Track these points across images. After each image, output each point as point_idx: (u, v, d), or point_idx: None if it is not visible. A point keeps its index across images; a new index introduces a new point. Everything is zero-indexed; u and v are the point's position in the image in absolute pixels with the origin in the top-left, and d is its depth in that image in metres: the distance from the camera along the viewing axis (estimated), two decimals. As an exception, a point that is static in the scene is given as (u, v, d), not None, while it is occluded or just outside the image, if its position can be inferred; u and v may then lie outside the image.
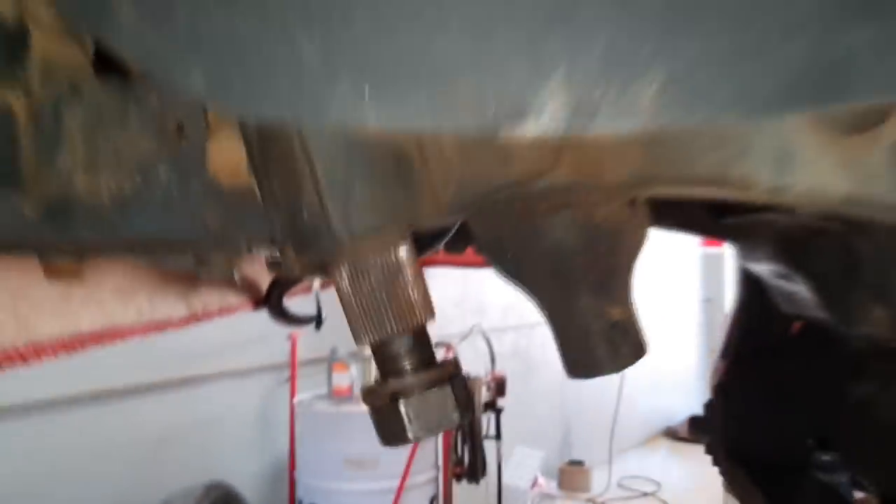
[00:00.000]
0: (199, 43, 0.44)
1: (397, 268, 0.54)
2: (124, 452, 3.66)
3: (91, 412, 3.55)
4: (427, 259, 0.95)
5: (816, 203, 0.60)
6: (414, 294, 0.55)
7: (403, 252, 0.55)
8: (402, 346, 0.55)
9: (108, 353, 3.64)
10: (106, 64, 0.65)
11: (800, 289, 1.11)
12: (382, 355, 0.56)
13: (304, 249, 0.54)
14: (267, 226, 0.63)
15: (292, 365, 4.20)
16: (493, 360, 4.59)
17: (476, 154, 0.55)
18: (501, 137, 0.46)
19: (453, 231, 1.07)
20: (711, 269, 9.17)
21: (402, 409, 0.53)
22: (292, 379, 4.19)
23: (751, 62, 0.42)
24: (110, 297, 1.23)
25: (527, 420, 6.09)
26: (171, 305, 1.37)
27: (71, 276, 0.83)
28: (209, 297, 1.48)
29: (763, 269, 1.24)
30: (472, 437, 4.38)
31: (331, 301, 2.12)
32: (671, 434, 8.37)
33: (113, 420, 3.63)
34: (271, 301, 1.72)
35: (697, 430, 1.65)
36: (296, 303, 1.81)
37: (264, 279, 1.68)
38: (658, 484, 6.82)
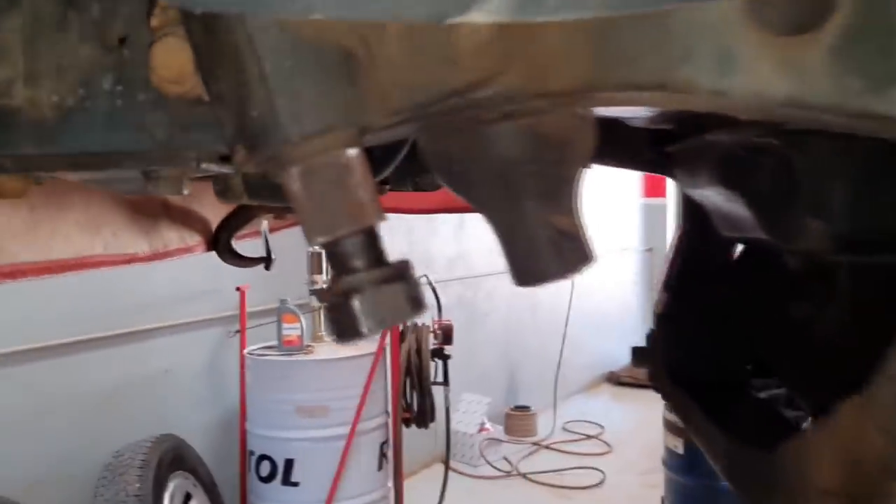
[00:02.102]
0: None
1: (347, 169, 0.54)
2: (70, 409, 3.61)
3: (34, 368, 3.48)
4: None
5: (757, 106, 0.61)
6: (364, 195, 0.54)
7: (353, 154, 0.54)
8: (353, 245, 0.55)
9: (51, 308, 3.55)
10: None
11: (740, 210, 1.14)
12: (335, 255, 0.56)
13: (254, 148, 0.54)
14: (215, 133, 0.62)
15: (242, 316, 4.18)
16: (439, 308, 4.62)
17: (423, 57, 0.54)
18: (448, 24, 0.46)
19: (403, 153, 1.08)
20: (652, 220, 9.33)
21: (355, 304, 0.54)
22: (242, 330, 4.17)
23: None
24: (76, 230, 1.24)
25: (473, 368, 6.18)
26: (134, 242, 1.39)
27: (15, 195, 0.81)
28: (169, 236, 1.48)
29: (705, 194, 1.28)
30: (421, 383, 4.43)
31: (281, 248, 2.10)
32: (613, 379, 8.58)
33: (57, 376, 3.57)
34: (220, 242, 1.71)
35: (639, 360, 1.70)
36: (245, 246, 1.80)
37: (214, 220, 1.67)
38: (601, 427, 7.00)
